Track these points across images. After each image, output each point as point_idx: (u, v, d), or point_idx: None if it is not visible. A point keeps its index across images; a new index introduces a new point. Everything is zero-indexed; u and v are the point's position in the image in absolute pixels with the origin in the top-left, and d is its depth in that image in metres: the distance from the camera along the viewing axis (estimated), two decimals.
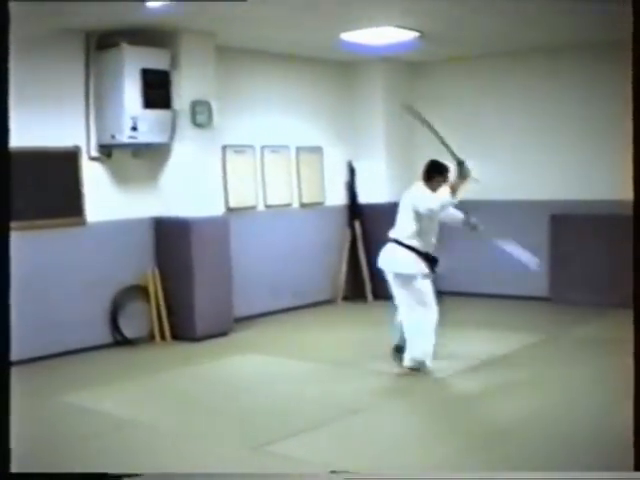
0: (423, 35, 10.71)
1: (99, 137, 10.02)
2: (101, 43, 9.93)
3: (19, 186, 9.37)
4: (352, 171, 13.48)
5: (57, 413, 7.51)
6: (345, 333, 10.82)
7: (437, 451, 6.19)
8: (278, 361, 9.33)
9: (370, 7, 9.22)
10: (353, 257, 13.31)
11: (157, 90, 9.99)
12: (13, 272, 9.03)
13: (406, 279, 8.25)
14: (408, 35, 10.70)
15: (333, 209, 13.30)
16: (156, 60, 9.99)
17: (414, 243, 8.28)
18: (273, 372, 8.89)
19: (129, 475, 4.09)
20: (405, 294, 8.28)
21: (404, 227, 8.41)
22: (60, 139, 9.81)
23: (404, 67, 13.53)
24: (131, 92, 9.73)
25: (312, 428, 6.79)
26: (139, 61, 9.79)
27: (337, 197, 13.38)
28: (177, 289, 10.51)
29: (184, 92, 10.30)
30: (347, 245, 13.25)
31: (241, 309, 11.24)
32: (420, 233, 8.30)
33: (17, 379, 8.56)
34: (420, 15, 9.73)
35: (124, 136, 9.76)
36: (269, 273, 12.10)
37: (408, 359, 8.36)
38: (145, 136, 9.94)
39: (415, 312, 8.22)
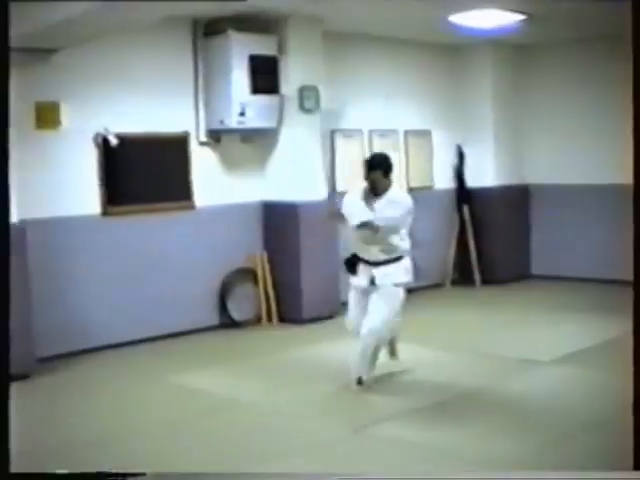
0: (530, 17, 10.58)
1: (208, 122, 10.19)
2: (208, 30, 10.09)
3: (130, 171, 9.65)
4: (461, 155, 13.40)
5: (163, 393, 7.69)
6: (453, 316, 10.80)
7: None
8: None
9: None
10: (461, 241, 13.25)
11: (265, 76, 10.10)
12: (125, 255, 9.28)
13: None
14: (515, 17, 10.59)
15: (442, 193, 13.25)
16: (263, 46, 10.09)
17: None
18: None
19: (133, 474, 4.17)
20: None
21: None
22: (170, 125, 10.02)
23: (512, 50, 13.39)
24: (239, 78, 9.86)
25: (416, 411, 6.83)
26: (246, 47, 9.91)
27: (445, 181, 13.32)
28: (284, 272, 10.63)
29: (291, 77, 10.39)
30: (456, 229, 13.20)
31: (348, 292, 11.27)
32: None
33: (128, 360, 8.88)
34: None
35: (232, 121, 9.90)
36: None
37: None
38: (253, 121, 10.06)
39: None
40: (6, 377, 3.36)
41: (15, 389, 7.95)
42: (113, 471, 4.64)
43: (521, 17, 10.57)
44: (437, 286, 13.02)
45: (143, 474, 4.44)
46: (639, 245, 3.30)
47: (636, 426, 3.50)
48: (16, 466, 5.81)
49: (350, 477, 5.13)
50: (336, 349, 9.21)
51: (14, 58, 8.14)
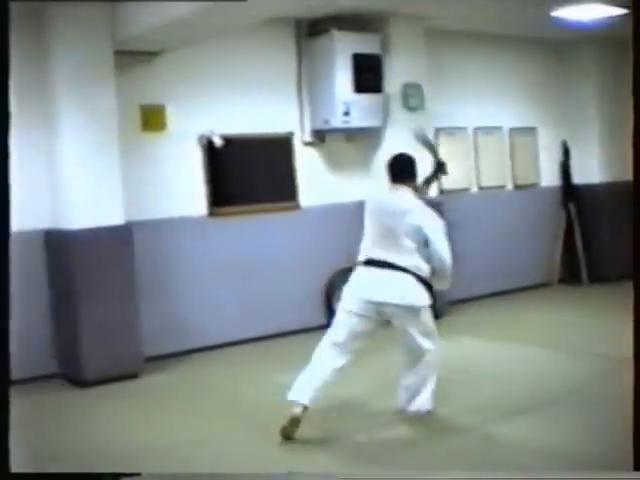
0: None
1: (312, 122, 10.22)
2: (311, 30, 10.14)
3: (235, 172, 9.72)
4: (566, 151, 13.19)
5: (268, 393, 7.66)
6: (559, 315, 10.63)
7: None
8: (493, 344, 9.24)
9: None
10: (568, 239, 13.03)
11: (368, 74, 10.08)
12: (231, 255, 9.32)
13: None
14: (618, 11, 10.37)
15: (548, 190, 13.06)
16: (366, 45, 10.08)
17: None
18: (487, 355, 8.82)
19: (128, 474, 4.15)
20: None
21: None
22: (274, 125, 10.08)
23: (617, 45, 13.11)
24: (343, 77, 9.86)
25: (522, 412, 6.72)
26: (350, 46, 9.90)
27: (551, 178, 13.13)
28: None
29: (395, 76, 10.35)
30: (563, 227, 12.99)
31: (454, 292, 11.16)
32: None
33: (234, 359, 8.89)
34: None
35: (337, 121, 9.91)
36: (483, 256, 11.99)
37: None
38: (358, 120, 10.05)
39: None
40: (6, 377, 3.34)
41: (125, 388, 8.14)
42: (109, 472, 4.65)
43: (624, 11, 10.35)
44: (543, 285, 12.84)
45: (138, 474, 4.45)
46: (638, 245, 3.20)
47: (636, 426, 3.40)
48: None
49: (350, 477, 5.05)
50: (444, 349, 9.15)
51: (119, 61, 8.34)
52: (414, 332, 6.39)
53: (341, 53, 9.85)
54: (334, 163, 10.56)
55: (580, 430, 6.19)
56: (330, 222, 10.46)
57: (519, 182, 12.64)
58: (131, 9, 8.06)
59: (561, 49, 13.11)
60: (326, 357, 6.37)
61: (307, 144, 10.31)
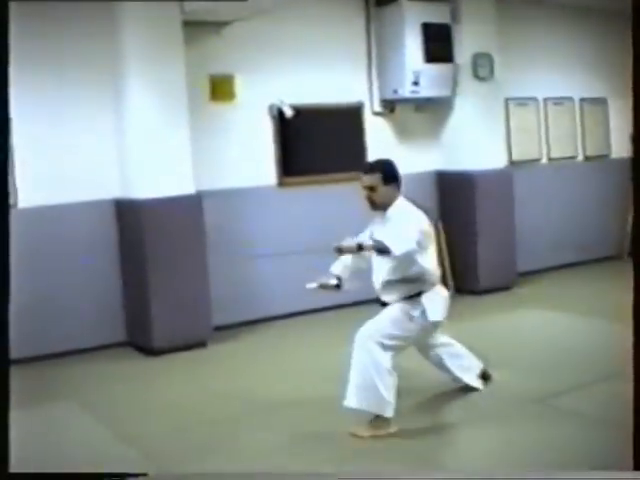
0: None
1: (382, 92, 10.18)
2: None
3: (305, 142, 9.72)
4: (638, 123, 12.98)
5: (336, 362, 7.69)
6: (629, 290, 10.48)
7: None
8: (562, 316, 9.15)
9: None
10: (637, 211, 12.84)
11: (438, 44, 10.01)
12: (300, 226, 9.32)
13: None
14: None
15: (618, 162, 12.87)
16: (436, 14, 10.00)
17: None
18: (557, 326, 8.75)
19: (134, 474, 4.14)
20: None
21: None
22: (344, 95, 10.05)
23: None
24: (412, 47, 9.80)
25: (592, 383, 6.67)
26: (419, 15, 9.84)
27: (623, 149, 12.94)
28: (461, 242, 10.51)
29: (465, 45, 10.27)
30: (631, 199, 12.77)
31: (524, 263, 11.11)
32: None
33: (300, 329, 8.92)
34: None
35: (406, 91, 9.86)
36: (553, 227, 11.89)
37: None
38: (427, 90, 9.99)
39: None
40: (6, 377, 3.35)
41: (193, 356, 8.19)
42: (113, 472, 4.67)
43: None
44: (613, 258, 12.68)
45: (145, 474, 4.46)
46: (638, 241, 3.14)
47: (636, 426, 3.35)
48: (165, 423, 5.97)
49: (351, 477, 5.01)
50: (513, 320, 9.13)
51: (188, 32, 8.36)
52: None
53: (410, 22, 9.79)
54: (403, 133, 10.51)
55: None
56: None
57: (589, 153, 12.49)
58: None
59: (630, 18, 12.89)
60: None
61: (376, 114, 10.27)
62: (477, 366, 6.55)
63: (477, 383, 6.51)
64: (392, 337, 5.78)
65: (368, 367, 5.68)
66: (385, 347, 5.73)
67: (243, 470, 5.17)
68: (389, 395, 5.65)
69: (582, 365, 7.13)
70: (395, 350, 5.80)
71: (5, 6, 3.30)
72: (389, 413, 5.66)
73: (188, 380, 7.38)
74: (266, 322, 9.36)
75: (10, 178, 7.45)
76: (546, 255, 11.79)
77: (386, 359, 5.70)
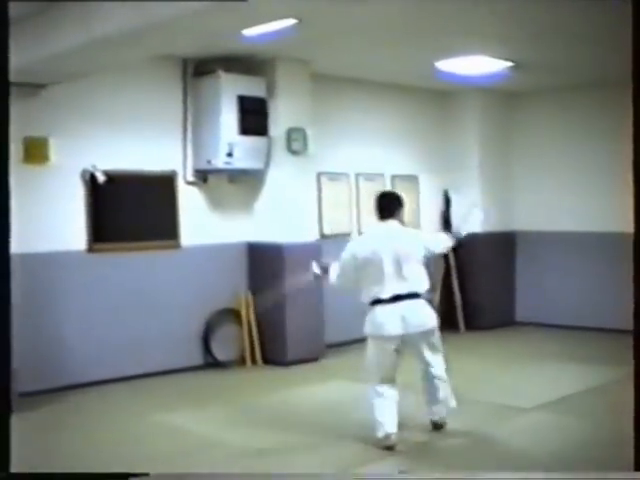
0: (517, 65, 10.68)
1: (195, 162, 10.22)
2: (198, 70, 10.17)
3: (117, 208, 9.66)
4: (447, 200, 13.43)
5: (147, 431, 7.64)
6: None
7: None
8: (366, 388, 9.29)
9: (464, 36, 9.25)
10: (446, 286, 13.22)
11: (253, 117, 10.14)
12: (110, 292, 9.24)
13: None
14: (502, 65, 10.68)
15: None
16: (252, 87, 10.16)
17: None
18: (360, 398, 8.87)
19: (136, 474, 4.12)
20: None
21: (422, 277, 7.15)
22: (158, 163, 10.05)
23: (500, 96, 13.51)
24: (227, 118, 9.90)
25: (391, 455, 6.80)
26: (235, 88, 9.97)
27: (432, 226, 13.30)
28: (269, 314, 10.57)
29: (280, 119, 10.43)
30: (441, 275, 13.16)
31: (333, 335, 11.25)
32: None
33: (110, 397, 8.81)
34: (514, 44, 9.70)
35: (220, 161, 9.92)
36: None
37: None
38: (241, 162, 10.09)
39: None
40: (7, 379, 3.33)
41: None
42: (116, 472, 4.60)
43: (508, 64, 10.66)
44: None
45: (146, 474, 4.41)
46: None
47: (636, 426, 3.49)
48: None
49: (350, 477, 5.07)
50: (321, 392, 9.21)
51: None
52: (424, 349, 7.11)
53: (227, 94, 9.90)
54: (216, 203, 10.56)
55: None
56: (211, 262, 10.45)
57: None
58: (16, 40, 7.96)
59: (446, 98, 13.39)
60: (386, 393, 7.02)
61: (190, 183, 10.29)
62: None
63: None
64: None
65: None
66: None
67: None
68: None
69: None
70: None
71: (5, 6, 3.29)
72: None
73: None
74: (76, 389, 9.16)
75: None
76: (355, 327, 11.89)
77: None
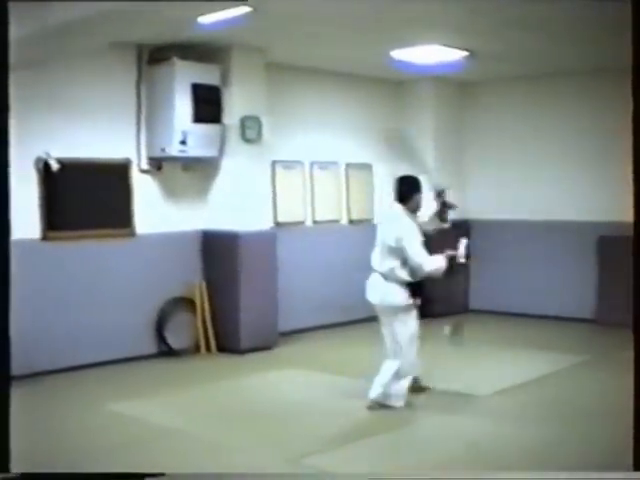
0: (472, 54, 10.73)
1: (149, 150, 10.17)
2: (153, 57, 10.11)
3: (71, 196, 9.59)
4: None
5: (101, 420, 7.62)
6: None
7: None
8: (318, 376, 9.35)
9: (419, 25, 9.27)
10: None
11: (207, 105, 10.11)
12: (64, 281, 9.15)
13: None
14: (457, 54, 10.72)
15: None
16: (207, 75, 10.13)
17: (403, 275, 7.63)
18: (312, 386, 8.92)
19: (152, 474, 4.10)
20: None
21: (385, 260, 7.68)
22: (112, 151, 9.99)
23: (454, 86, 13.58)
24: (181, 106, 9.86)
25: (345, 442, 6.84)
26: (190, 76, 9.93)
27: None
28: (223, 302, 10.59)
29: (234, 107, 10.41)
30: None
31: (286, 323, 11.28)
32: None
33: (65, 386, 8.77)
34: (469, 34, 9.75)
35: (174, 149, 9.89)
36: (316, 288, 12.12)
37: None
38: (194, 150, 10.06)
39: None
40: (7, 378, 3.33)
41: None
42: (131, 472, 4.59)
43: (463, 54, 10.70)
44: (375, 318, 12.97)
45: (162, 474, 4.40)
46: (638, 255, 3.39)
47: (636, 426, 3.54)
48: None
49: (351, 477, 5.10)
50: (275, 379, 9.24)
51: None
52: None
53: (181, 82, 9.85)
54: (170, 191, 10.52)
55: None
56: (165, 250, 10.42)
57: (354, 217, 12.85)
58: None
59: (401, 87, 13.44)
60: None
61: (144, 171, 10.25)
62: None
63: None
64: None
65: None
66: None
67: None
68: None
69: (331, 424, 7.30)
70: None
71: (5, 6, 3.27)
72: None
73: None
74: (30, 378, 9.02)
75: None
76: (309, 315, 12.00)
77: None
